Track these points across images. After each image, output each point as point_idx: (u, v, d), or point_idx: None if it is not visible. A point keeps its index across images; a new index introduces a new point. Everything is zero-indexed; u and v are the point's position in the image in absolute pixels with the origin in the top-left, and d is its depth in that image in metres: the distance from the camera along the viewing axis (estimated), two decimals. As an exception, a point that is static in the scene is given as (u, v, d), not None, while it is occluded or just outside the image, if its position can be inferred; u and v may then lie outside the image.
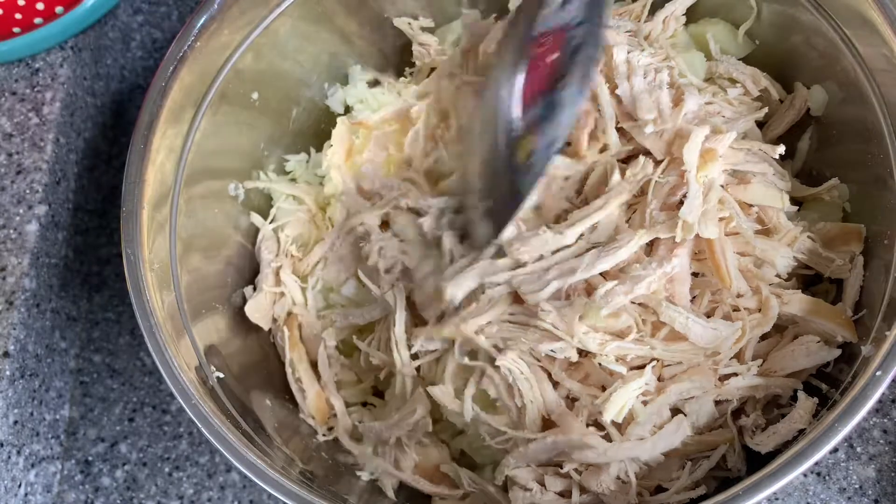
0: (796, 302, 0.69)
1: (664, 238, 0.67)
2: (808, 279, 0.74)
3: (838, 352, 0.68)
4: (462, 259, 0.71)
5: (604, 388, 0.67)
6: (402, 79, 0.88)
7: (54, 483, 0.83)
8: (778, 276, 0.71)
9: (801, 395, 0.66)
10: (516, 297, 0.69)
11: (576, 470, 0.67)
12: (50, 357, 0.83)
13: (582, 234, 0.69)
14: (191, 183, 0.76)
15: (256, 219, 0.84)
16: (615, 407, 0.65)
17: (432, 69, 0.85)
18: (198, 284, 0.76)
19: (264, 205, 0.85)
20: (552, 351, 0.67)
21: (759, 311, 0.68)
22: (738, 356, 0.69)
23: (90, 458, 0.84)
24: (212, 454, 0.83)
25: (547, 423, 0.68)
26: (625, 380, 0.65)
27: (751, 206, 0.72)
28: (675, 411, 0.68)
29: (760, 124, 0.79)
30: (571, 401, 0.68)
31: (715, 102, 0.75)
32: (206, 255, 0.78)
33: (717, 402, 0.68)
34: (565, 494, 0.68)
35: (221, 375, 0.72)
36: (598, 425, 0.67)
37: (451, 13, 0.88)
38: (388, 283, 0.75)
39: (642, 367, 0.67)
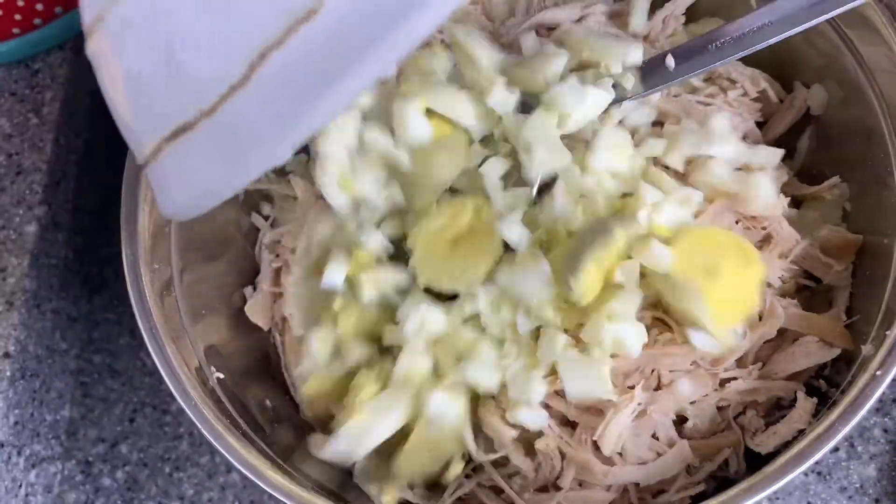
0: (789, 317, 0.69)
1: None
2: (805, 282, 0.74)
3: (837, 351, 0.68)
4: None
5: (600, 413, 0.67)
6: None
7: (55, 484, 0.83)
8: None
9: (801, 395, 0.66)
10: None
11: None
12: (50, 358, 0.83)
13: None
14: (190, 183, 0.76)
15: (257, 219, 0.84)
16: (611, 441, 0.65)
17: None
18: (198, 285, 0.76)
19: (265, 205, 0.85)
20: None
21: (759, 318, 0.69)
22: (740, 360, 0.69)
23: (91, 459, 0.84)
24: (212, 455, 0.83)
25: None
26: (617, 408, 0.65)
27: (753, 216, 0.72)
28: (680, 417, 0.68)
29: (760, 124, 0.79)
30: (572, 426, 0.68)
31: (714, 104, 0.75)
32: (206, 255, 0.78)
33: (720, 408, 0.68)
34: None
35: (222, 376, 0.72)
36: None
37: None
38: None
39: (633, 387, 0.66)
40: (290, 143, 0.51)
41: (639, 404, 0.65)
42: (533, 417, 0.66)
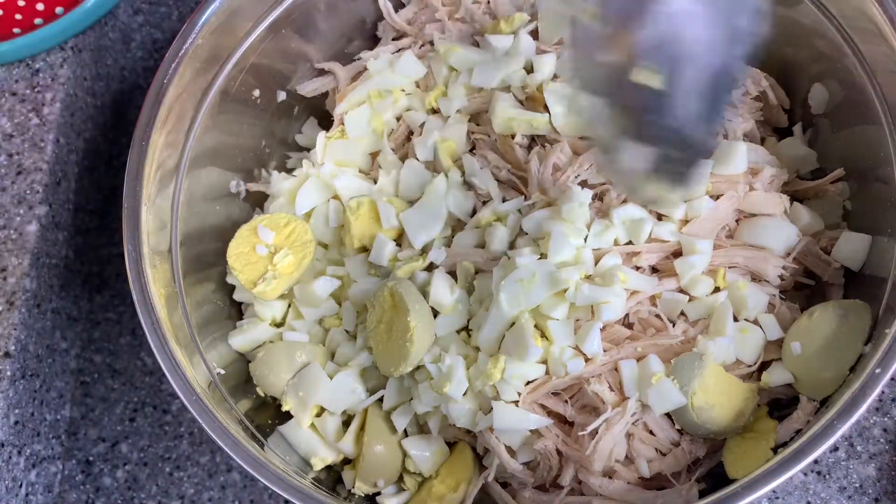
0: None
1: None
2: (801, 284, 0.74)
3: None
4: None
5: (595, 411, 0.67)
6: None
7: (55, 483, 0.83)
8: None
9: (803, 398, 0.66)
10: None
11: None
12: (51, 357, 0.83)
13: None
14: (192, 180, 0.76)
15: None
16: (603, 456, 0.66)
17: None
18: (199, 281, 0.76)
19: (266, 201, 0.85)
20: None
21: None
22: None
23: (91, 458, 0.84)
24: (212, 454, 0.83)
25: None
26: (608, 424, 0.65)
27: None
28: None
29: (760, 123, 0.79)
30: (570, 425, 0.69)
31: None
32: (208, 251, 0.78)
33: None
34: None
35: (223, 372, 0.72)
36: None
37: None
38: None
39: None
40: None
41: (633, 415, 0.66)
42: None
